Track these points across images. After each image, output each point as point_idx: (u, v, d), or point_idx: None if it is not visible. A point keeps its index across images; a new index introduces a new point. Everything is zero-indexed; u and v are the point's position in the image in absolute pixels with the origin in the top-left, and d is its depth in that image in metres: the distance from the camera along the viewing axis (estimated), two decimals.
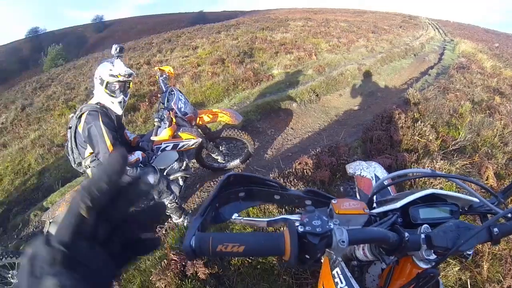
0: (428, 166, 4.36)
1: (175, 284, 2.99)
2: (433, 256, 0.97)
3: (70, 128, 3.60)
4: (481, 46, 19.16)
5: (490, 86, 9.40)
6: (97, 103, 3.53)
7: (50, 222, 3.62)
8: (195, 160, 5.14)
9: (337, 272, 1.18)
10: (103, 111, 3.49)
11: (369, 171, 1.52)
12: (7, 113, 13.61)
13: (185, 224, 4.25)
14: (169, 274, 2.99)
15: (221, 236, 0.79)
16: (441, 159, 4.56)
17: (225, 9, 69.73)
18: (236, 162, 5.44)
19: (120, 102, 3.62)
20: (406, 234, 0.94)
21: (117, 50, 3.84)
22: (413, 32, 22.13)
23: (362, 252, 1.16)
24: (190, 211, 4.57)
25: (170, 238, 3.68)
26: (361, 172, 1.52)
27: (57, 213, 3.58)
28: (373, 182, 1.62)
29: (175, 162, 4.26)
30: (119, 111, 3.66)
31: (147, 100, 8.91)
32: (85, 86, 12.41)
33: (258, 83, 9.54)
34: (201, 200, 4.95)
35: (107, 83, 3.50)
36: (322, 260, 0.94)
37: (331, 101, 8.65)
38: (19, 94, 17.79)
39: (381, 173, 1.55)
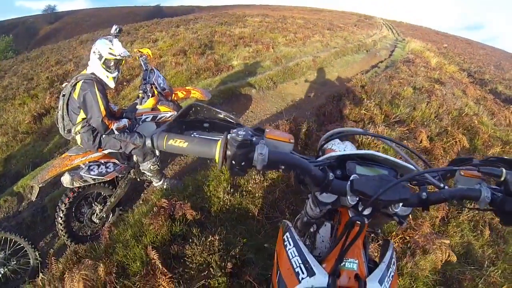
0: (372, 132, 5.19)
1: (166, 226, 3.40)
2: (366, 211, 1.12)
3: (63, 95, 3.96)
4: (430, 46, 20.49)
5: (432, 77, 10.54)
6: (91, 73, 3.96)
7: (39, 187, 3.96)
8: None
9: (286, 236, 1.29)
10: (98, 80, 3.93)
11: (339, 147, 1.60)
12: None
13: (164, 187, 4.68)
14: (160, 218, 3.43)
15: (174, 134, 1.03)
16: (384, 127, 5.48)
17: (182, 4, 68.45)
18: None
19: (114, 77, 4.10)
20: (331, 174, 1.08)
21: (117, 31, 4.40)
22: (367, 31, 23.28)
23: (308, 205, 1.33)
24: (168, 176, 5.07)
25: (154, 197, 4.23)
26: (332, 146, 1.60)
27: (47, 177, 3.90)
28: None
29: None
30: (112, 85, 4.11)
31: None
32: (46, 76, 12.52)
33: (219, 73, 10.16)
34: (173, 173, 5.52)
35: (106, 59, 3.94)
36: (247, 168, 0.99)
37: (287, 88, 9.39)
38: None
39: (350, 149, 1.59)
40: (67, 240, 4.16)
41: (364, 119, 5.85)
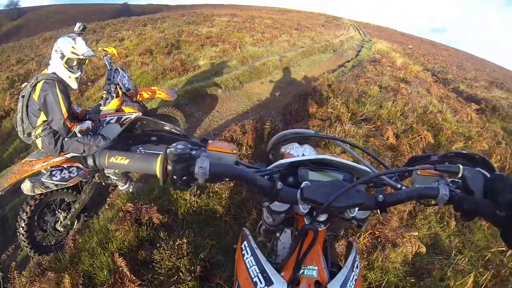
0: (339, 130, 5.29)
1: (132, 231, 3.30)
2: (322, 217, 1.13)
3: (23, 97, 3.76)
4: (395, 47, 21.03)
5: (398, 76, 10.78)
6: (53, 73, 3.77)
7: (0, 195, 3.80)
8: None
9: (244, 245, 1.29)
10: (60, 81, 3.74)
11: (298, 151, 1.59)
12: None
13: (130, 190, 4.59)
14: (126, 223, 3.33)
15: (115, 152, 1.00)
16: (351, 125, 5.51)
17: (151, 2, 67.74)
18: None
19: (77, 78, 3.92)
20: (279, 183, 1.05)
21: (80, 28, 4.28)
22: (335, 31, 23.67)
23: (264, 214, 1.34)
24: (134, 179, 4.99)
25: (120, 201, 4.06)
26: (290, 150, 1.59)
27: (6, 185, 3.69)
28: None
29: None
30: (74, 85, 3.93)
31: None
32: (6, 76, 12.05)
33: (185, 73, 10.06)
34: (138, 175, 5.34)
35: (68, 59, 3.77)
36: (191, 183, 0.97)
37: (253, 88, 9.39)
38: None
39: (309, 153, 1.59)
40: (30, 251, 3.93)
41: (331, 117, 5.87)
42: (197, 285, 2.87)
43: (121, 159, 0.99)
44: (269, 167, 1.22)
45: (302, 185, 1.06)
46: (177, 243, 3.10)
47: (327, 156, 1.20)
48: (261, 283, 1.09)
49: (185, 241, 3.11)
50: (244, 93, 8.93)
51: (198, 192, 3.98)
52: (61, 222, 4.22)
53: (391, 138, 5.48)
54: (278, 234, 1.48)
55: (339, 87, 7.50)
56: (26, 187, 3.67)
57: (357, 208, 1.05)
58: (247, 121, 5.59)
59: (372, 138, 5.42)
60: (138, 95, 5.11)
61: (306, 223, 1.15)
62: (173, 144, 0.97)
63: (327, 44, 15.88)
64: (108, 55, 4.77)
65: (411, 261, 3.54)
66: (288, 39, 15.74)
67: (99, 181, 4.45)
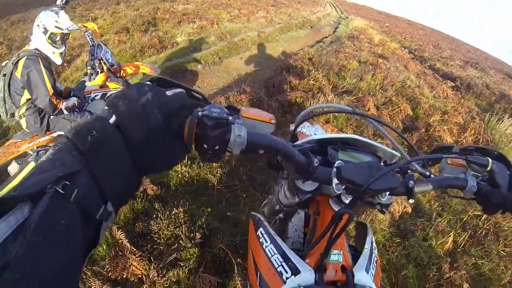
0: (322, 100, 5.42)
1: (127, 204, 3.29)
2: (347, 199, 1.05)
3: (4, 75, 3.63)
4: (373, 24, 21.16)
5: (376, 52, 11.01)
6: (35, 49, 3.63)
7: None
8: None
9: (260, 232, 1.21)
10: (43, 57, 3.63)
11: (310, 130, 1.53)
12: None
13: None
14: None
15: None
16: (333, 96, 5.67)
17: None
18: None
19: (61, 53, 3.82)
20: (316, 160, 0.97)
21: (63, 2, 4.13)
22: (311, 8, 23.44)
23: (283, 192, 1.19)
24: None
25: None
26: (301, 129, 1.53)
27: None
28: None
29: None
30: (59, 61, 3.84)
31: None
32: None
33: (164, 50, 9.96)
34: None
35: (51, 33, 3.64)
36: (220, 154, 0.84)
37: (233, 63, 9.41)
38: None
39: (321, 133, 1.53)
40: None
41: (313, 89, 6.01)
42: (198, 251, 2.93)
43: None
44: (300, 142, 1.14)
45: (337, 164, 1.00)
46: (173, 212, 3.14)
47: (357, 137, 1.15)
48: (286, 272, 1.04)
49: (181, 210, 3.15)
50: (223, 69, 8.95)
51: (189, 162, 4.03)
52: None
53: (372, 109, 5.67)
54: (286, 214, 1.42)
55: (319, 60, 7.69)
56: (13, 169, 3.67)
57: (387, 193, 1.02)
58: (231, 93, 5.65)
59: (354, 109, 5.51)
60: (122, 71, 5.04)
61: (332, 205, 1.11)
62: (206, 107, 0.83)
63: (304, 21, 15.92)
64: (89, 31, 4.68)
65: (395, 223, 3.76)
66: (265, 15, 15.69)
67: None
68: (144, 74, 5.53)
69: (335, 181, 0.97)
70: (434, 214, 4.22)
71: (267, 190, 3.93)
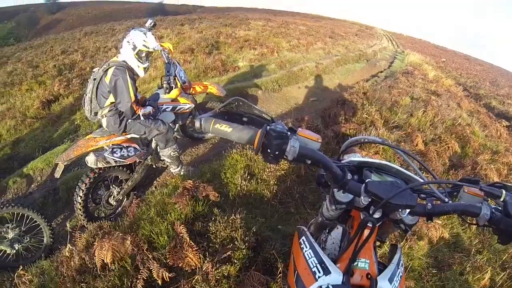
0: (374, 134, 5.74)
1: (190, 205, 3.63)
2: (376, 214, 1.22)
3: (94, 79, 4.21)
4: (428, 59, 21.01)
5: (429, 89, 11.04)
6: (123, 61, 4.21)
7: (64, 165, 4.17)
8: (179, 129, 5.71)
9: (303, 239, 1.40)
10: (129, 68, 4.20)
11: (354, 155, 1.57)
12: None
13: (181, 173, 4.96)
14: (184, 198, 3.64)
15: (220, 120, 1.20)
16: (384, 130, 5.98)
17: (185, 3, 67.97)
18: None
19: (145, 68, 4.39)
20: (349, 174, 1.22)
21: (151, 25, 4.79)
22: (368, 41, 23.77)
23: (325, 205, 1.44)
24: (185, 163, 5.40)
25: (175, 180, 4.47)
26: (347, 155, 1.57)
27: (72, 156, 4.14)
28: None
29: (172, 123, 5.03)
30: (142, 74, 4.41)
31: None
32: (53, 64, 12.91)
33: (226, 73, 10.59)
34: (186, 162, 5.88)
35: (139, 50, 4.23)
36: (279, 158, 1.14)
37: (291, 92, 9.89)
38: None
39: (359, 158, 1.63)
40: (83, 220, 4.39)
41: (366, 122, 6.33)
42: (251, 253, 3.18)
43: (225, 126, 1.18)
44: (342, 162, 1.41)
45: (366, 181, 1.20)
46: (231, 218, 3.39)
47: (389, 163, 1.37)
48: (319, 272, 1.23)
49: (238, 217, 3.38)
50: (282, 96, 9.43)
51: (248, 177, 4.38)
52: (114, 196, 4.72)
53: (420, 145, 5.87)
54: (329, 230, 1.59)
55: (373, 95, 7.97)
56: (90, 160, 4.14)
57: (407, 211, 1.19)
58: (290, 119, 6.08)
59: (402, 143, 5.81)
60: (192, 88, 5.47)
61: (362, 217, 1.27)
62: (273, 123, 1.17)
63: (360, 54, 16.14)
64: (166, 50, 5.12)
65: (432, 255, 3.86)
66: (323, 47, 16.06)
67: (151, 163, 4.91)
68: (211, 93, 5.95)
69: (363, 193, 1.18)
70: (473, 250, 4.24)
71: (316, 208, 4.20)
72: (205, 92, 5.88)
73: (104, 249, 3.08)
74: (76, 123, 8.05)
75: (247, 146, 4.74)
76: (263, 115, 1.36)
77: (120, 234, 3.28)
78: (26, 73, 12.70)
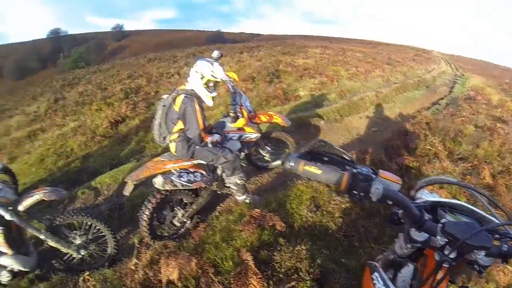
0: (437, 167, 5.78)
1: (256, 233, 3.71)
2: (449, 252, 1.21)
3: (164, 106, 4.38)
4: (491, 82, 20.18)
5: (494, 115, 10.71)
6: (191, 90, 4.37)
7: (133, 184, 4.36)
8: (244, 157, 5.66)
9: (375, 275, 1.44)
10: (197, 96, 4.35)
11: (427, 195, 1.67)
12: (36, 103, 15.99)
13: (246, 201, 4.90)
14: (251, 226, 3.75)
15: (308, 162, 1.28)
16: (448, 163, 5.97)
17: (242, 31, 68.82)
18: (278, 162, 6.28)
19: (213, 97, 4.52)
20: (427, 215, 1.27)
21: (218, 56, 4.85)
22: (426, 66, 23.27)
23: (399, 243, 1.49)
24: (250, 192, 5.41)
25: (241, 208, 4.57)
26: (421, 194, 1.67)
27: (141, 176, 4.32)
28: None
29: (238, 151, 5.06)
30: (210, 103, 4.54)
31: None
32: (120, 87, 13.95)
33: (287, 102, 10.82)
34: (251, 190, 5.96)
35: (207, 80, 4.36)
36: (364, 199, 1.21)
37: (352, 122, 9.93)
38: (46, 88, 20.28)
39: (434, 197, 1.67)
40: (148, 236, 4.50)
41: (429, 154, 6.35)
42: (315, 285, 3.17)
43: (315, 168, 1.27)
44: (418, 201, 1.49)
45: (443, 221, 1.25)
46: (296, 248, 3.42)
47: (463, 203, 1.42)
48: None
49: (304, 247, 3.42)
50: (344, 126, 9.47)
51: (314, 209, 4.44)
52: (178, 218, 4.79)
53: (487, 178, 5.73)
54: (398, 267, 1.60)
55: (436, 125, 7.95)
56: (158, 181, 4.27)
57: (483, 252, 1.19)
58: (354, 151, 6.24)
59: (468, 176, 5.69)
60: (257, 118, 5.52)
61: (436, 257, 1.28)
62: (359, 167, 1.27)
63: (419, 80, 15.91)
64: (231, 79, 5.14)
65: None
66: (381, 74, 16.04)
67: (215, 189, 4.96)
68: (276, 123, 5.97)
69: (439, 233, 1.22)
70: None
71: (380, 243, 4.15)
72: (270, 122, 5.89)
73: (170, 266, 3.25)
74: (141, 144, 8.62)
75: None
76: (343, 155, 1.45)
77: (187, 254, 3.45)
78: (96, 94, 13.91)
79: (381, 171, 1.36)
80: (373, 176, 1.25)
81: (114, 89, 14.26)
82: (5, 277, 4.12)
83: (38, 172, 8.31)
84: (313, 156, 1.43)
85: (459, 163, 6.26)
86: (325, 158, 1.45)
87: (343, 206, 4.55)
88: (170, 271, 3.23)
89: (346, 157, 1.44)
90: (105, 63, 28.10)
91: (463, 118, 9.29)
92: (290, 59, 17.71)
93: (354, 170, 1.25)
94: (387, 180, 1.33)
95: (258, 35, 62.99)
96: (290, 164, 1.31)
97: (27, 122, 13.41)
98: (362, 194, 1.21)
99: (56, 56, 42.91)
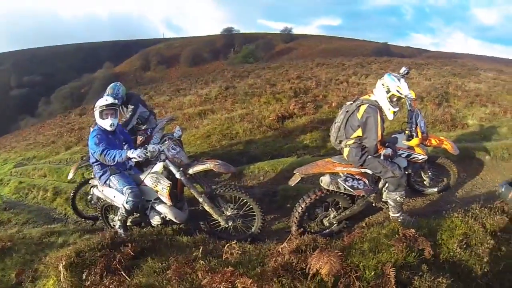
0: None
1: (404, 252, 3.70)
2: None
3: (347, 111, 4.62)
4: None
5: None
6: (375, 101, 4.53)
7: (300, 177, 4.72)
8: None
9: None
10: (380, 108, 4.48)
11: None
12: (208, 88, 17.96)
13: (399, 220, 4.79)
14: (401, 244, 3.77)
15: None
16: None
17: (409, 45, 66.55)
18: (434, 190, 6.15)
19: (395, 112, 4.61)
20: None
21: (405, 72, 4.92)
22: None
23: None
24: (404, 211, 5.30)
25: (394, 225, 4.45)
26: None
27: (310, 172, 4.70)
28: None
29: (403, 169, 4.99)
30: (391, 117, 4.65)
31: None
32: (289, 86, 14.81)
33: (454, 129, 10.21)
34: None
35: (392, 94, 4.47)
36: None
37: None
38: (218, 76, 22.63)
39: None
40: (296, 226, 4.70)
41: None
42: None
43: None
44: None
45: None
46: (437, 280, 3.37)
47: None
48: None
49: (444, 281, 3.35)
50: (510, 167, 8.30)
51: (464, 245, 4.15)
52: (329, 219, 4.96)
53: None
54: None
55: None
56: (325, 180, 4.58)
57: None
58: None
59: None
60: (428, 140, 5.38)
61: None
62: None
63: None
64: (411, 97, 5.10)
65: None
66: None
67: (372, 200, 5.03)
68: (445, 149, 5.74)
69: None
70: None
71: None
72: (439, 146, 5.69)
73: (321, 260, 3.39)
74: (305, 142, 9.02)
75: (470, 213, 4.54)
76: None
77: (339, 253, 3.57)
78: (265, 88, 14.81)
79: None
80: None
81: (283, 86, 15.13)
82: (156, 221, 5.14)
83: (202, 146, 9.53)
84: None
85: None
86: None
87: (496, 253, 4.23)
88: (320, 265, 3.39)
89: None
90: (273, 61, 29.56)
91: None
92: (460, 81, 16.62)
93: None
94: None
95: (426, 51, 60.40)
96: (502, 190, 1.39)
97: (199, 102, 15.23)
98: None
99: (227, 51, 47.45)
